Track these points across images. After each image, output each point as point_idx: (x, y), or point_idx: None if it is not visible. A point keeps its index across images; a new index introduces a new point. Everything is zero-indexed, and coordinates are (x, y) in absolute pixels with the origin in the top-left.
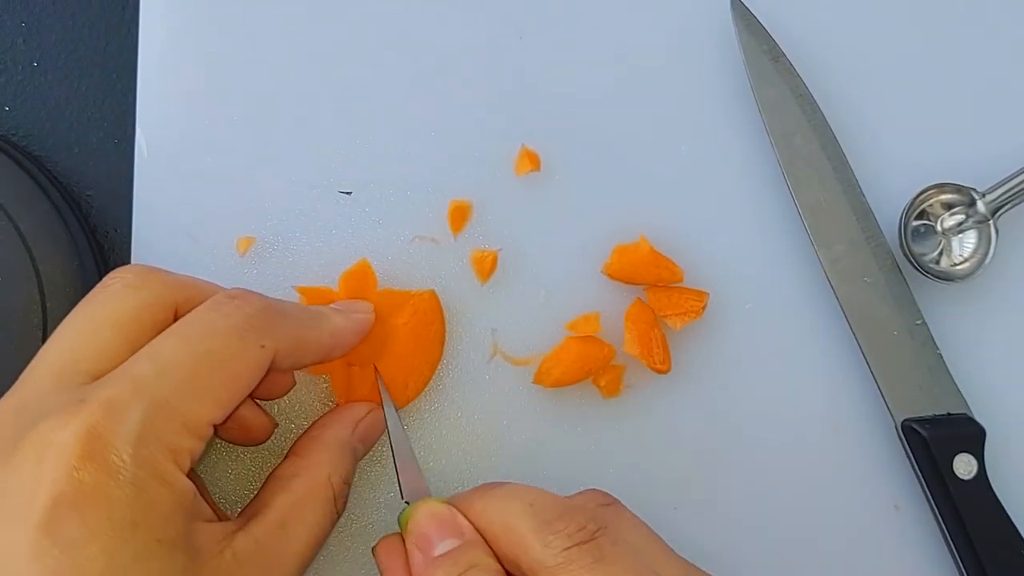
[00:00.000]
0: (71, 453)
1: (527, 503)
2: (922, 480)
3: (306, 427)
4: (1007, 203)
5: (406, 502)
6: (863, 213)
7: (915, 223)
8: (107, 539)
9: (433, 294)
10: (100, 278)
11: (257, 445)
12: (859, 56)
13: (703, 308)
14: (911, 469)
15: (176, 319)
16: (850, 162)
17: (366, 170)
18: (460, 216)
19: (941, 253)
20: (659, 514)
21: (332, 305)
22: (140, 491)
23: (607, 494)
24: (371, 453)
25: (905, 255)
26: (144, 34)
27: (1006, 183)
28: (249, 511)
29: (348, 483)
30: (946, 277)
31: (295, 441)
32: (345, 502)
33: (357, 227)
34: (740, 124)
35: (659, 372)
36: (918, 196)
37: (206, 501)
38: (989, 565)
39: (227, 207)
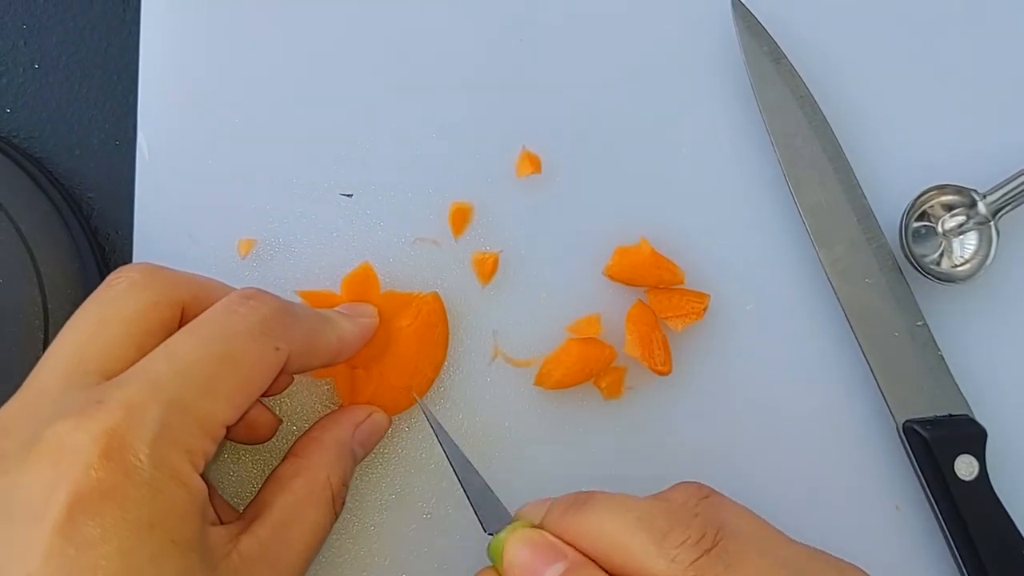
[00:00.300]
0: (89, 453)
1: (634, 517)
2: (923, 481)
3: (307, 428)
4: (1008, 204)
5: (490, 534)
6: (864, 214)
7: (916, 224)
8: (123, 539)
9: (436, 296)
10: (101, 279)
11: (261, 443)
12: (860, 57)
13: (704, 310)
14: (912, 470)
15: (183, 318)
16: (851, 163)
17: (367, 172)
18: (461, 218)
19: (942, 254)
20: None
21: (337, 308)
22: (157, 492)
23: (702, 485)
24: (372, 455)
25: (906, 256)
26: (145, 36)
27: (1007, 184)
28: (251, 512)
29: (346, 484)
30: (947, 278)
31: (295, 442)
32: (343, 503)
33: (358, 229)
34: (741, 125)
35: (660, 374)
36: (919, 197)
37: (217, 501)
38: (990, 566)
39: (228, 209)
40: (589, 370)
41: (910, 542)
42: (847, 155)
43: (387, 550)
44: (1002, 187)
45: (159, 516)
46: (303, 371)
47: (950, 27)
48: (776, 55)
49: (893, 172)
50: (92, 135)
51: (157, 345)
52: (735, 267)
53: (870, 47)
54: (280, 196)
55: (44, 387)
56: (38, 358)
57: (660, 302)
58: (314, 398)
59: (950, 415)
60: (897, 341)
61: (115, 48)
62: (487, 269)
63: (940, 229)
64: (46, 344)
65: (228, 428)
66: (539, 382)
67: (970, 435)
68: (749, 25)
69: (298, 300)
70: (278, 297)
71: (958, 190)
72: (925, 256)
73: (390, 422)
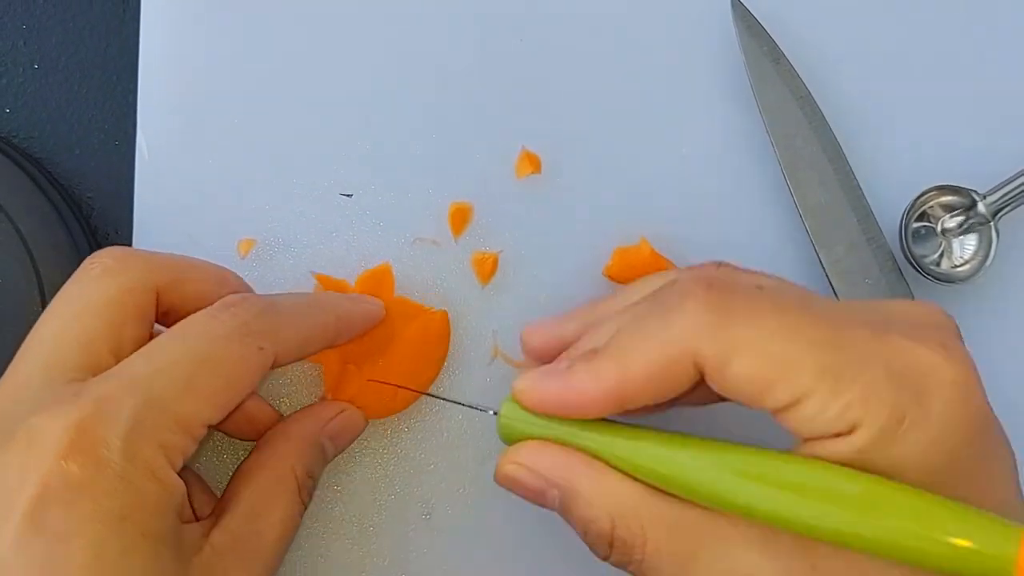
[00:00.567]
0: (60, 445)
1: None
2: None
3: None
4: (1008, 205)
5: (495, 413)
6: (864, 215)
7: (915, 225)
8: (94, 532)
9: (445, 316)
10: None
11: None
12: (860, 57)
13: None
14: None
15: (159, 302)
16: (851, 164)
17: (367, 172)
18: (461, 218)
19: (942, 255)
20: None
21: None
22: (129, 485)
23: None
24: (372, 455)
25: (906, 257)
26: (145, 36)
27: (1007, 185)
28: (220, 506)
29: (313, 477)
30: (947, 279)
31: (262, 436)
32: (311, 495)
33: (358, 229)
34: (741, 126)
35: None
36: (919, 198)
37: (205, 497)
38: None
39: (228, 209)
40: None
41: None
42: (847, 156)
43: (386, 551)
44: (1002, 188)
45: (130, 509)
46: (302, 358)
47: (950, 27)
48: (776, 55)
49: (893, 173)
50: (92, 135)
51: (134, 332)
52: None
53: (870, 47)
54: (280, 196)
55: (22, 380)
56: None
57: None
58: (314, 397)
59: None
60: None
61: (115, 48)
62: (487, 269)
63: (940, 230)
64: None
65: (218, 424)
66: None
67: None
68: (749, 25)
69: (312, 284)
70: (262, 297)
71: (958, 191)
72: (925, 257)
73: (366, 422)
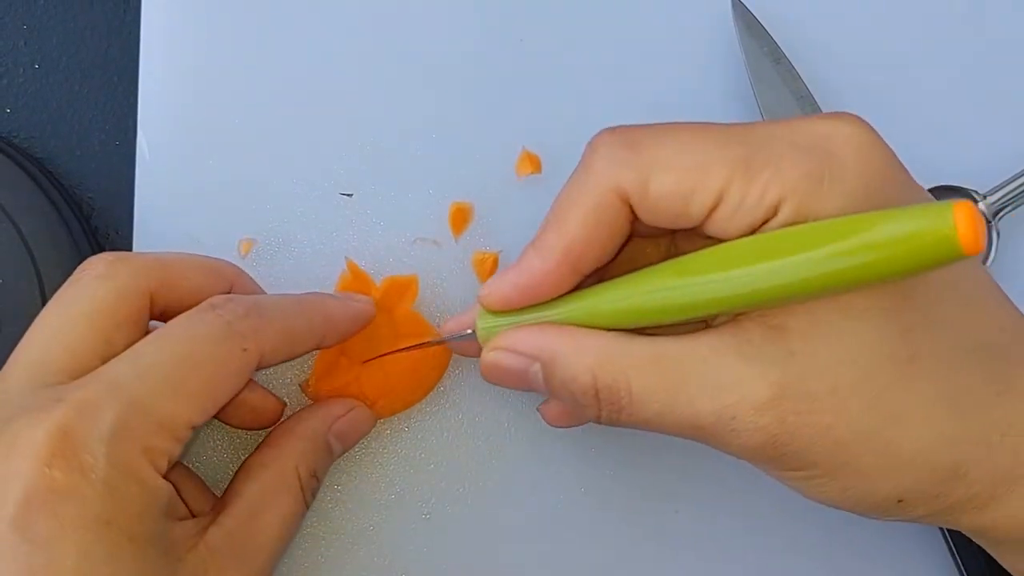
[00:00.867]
0: (43, 451)
1: None
2: None
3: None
4: (1008, 205)
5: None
6: None
7: None
8: (79, 536)
9: (446, 351)
10: None
11: (267, 428)
12: (860, 58)
13: None
14: None
15: (153, 304)
16: None
17: (367, 172)
18: (461, 218)
19: None
20: (660, 516)
21: (332, 293)
22: (112, 490)
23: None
24: (372, 455)
25: None
26: (145, 36)
27: (1007, 185)
28: (220, 503)
29: (317, 477)
30: None
31: (269, 432)
32: (314, 495)
33: (358, 229)
34: None
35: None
36: None
37: (200, 493)
38: (989, 566)
39: (228, 209)
40: None
41: (910, 543)
42: None
43: (387, 550)
44: (1002, 188)
45: (115, 513)
46: (289, 359)
47: (951, 28)
48: (776, 55)
49: None
50: (92, 136)
51: (126, 338)
52: None
53: (871, 47)
54: (280, 196)
55: (11, 386)
56: None
57: None
58: (307, 400)
59: None
60: None
61: (115, 49)
62: (487, 269)
63: None
64: None
65: (220, 416)
66: None
67: None
68: (749, 25)
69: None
70: (247, 298)
71: (958, 191)
72: None
73: (374, 420)
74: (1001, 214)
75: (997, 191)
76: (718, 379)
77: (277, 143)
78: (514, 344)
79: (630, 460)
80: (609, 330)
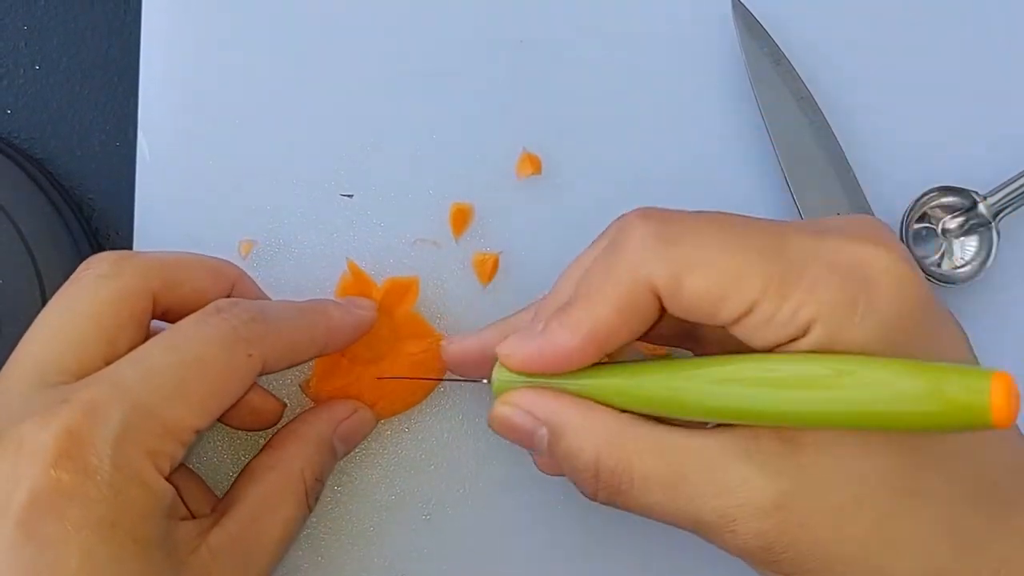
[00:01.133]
0: (49, 452)
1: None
2: None
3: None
4: (1009, 206)
5: (487, 381)
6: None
7: (916, 226)
8: (84, 538)
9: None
10: None
11: (267, 429)
12: (861, 58)
13: None
14: None
15: (156, 305)
16: (851, 165)
17: (367, 173)
18: (461, 219)
19: (942, 256)
20: None
21: (334, 300)
22: (118, 492)
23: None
24: (373, 456)
25: None
26: (146, 37)
27: (1008, 186)
28: (223, 504)
29: (321, 481)
30: (947, 280)
31: (274, 434)
32: (317, 499)
33: (358, 230)
34: (741, 127)
35: (661, 356)
36: (919, 199)
37: (201, 495)
38: None
39: (229, 210)
40: None
41: None
42: (847, 157)
43: (387, 551)
44: (1003, 189)
45: (120, 516)
46: (291, 366)
47: (952, 29)
48: (776, 56)
49: (894, 174)
50: (93, 136)
51: (129, 338)
52: None
53: (871, 48)
54: (280, 197)
55: (12, 386)
56: None
57: None
58: (308, 402)
59: None
60: None
61: (116, 49)
62: (487, 270)
63: (940, 231)
64: None
65: (222, 418)
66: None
67: None
68: (749, 26)
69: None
70: (252, 303)
71: (959, 191)
72: (926, 258)
73: (376, 421)
74: (1001, 215)
75: (998, 192)
76: (724, 480)
77: (277, 144)
78: (528, 405)
79: None
80: (623, 411)
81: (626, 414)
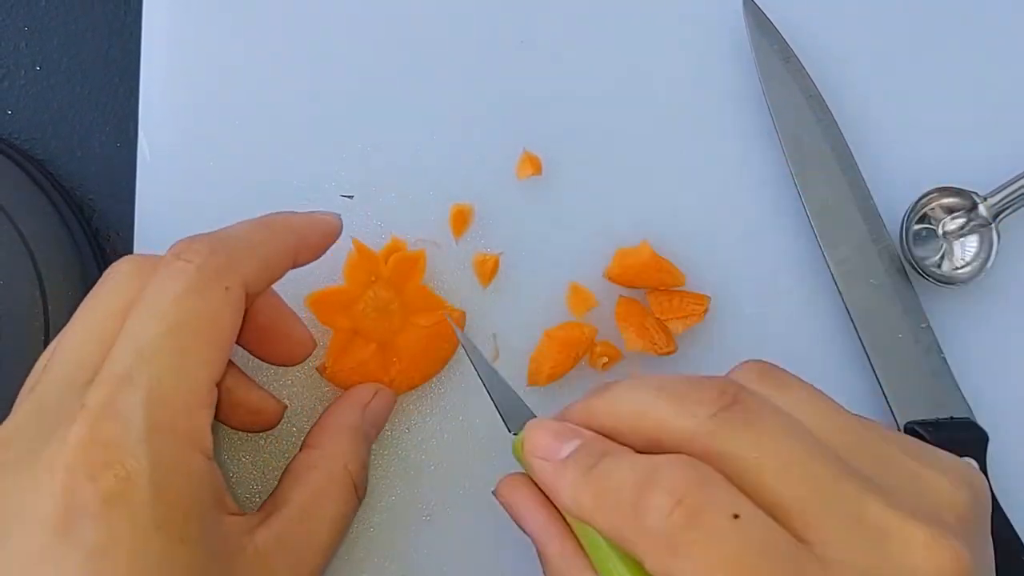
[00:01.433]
0: (84, 463)
1: (655, 388)
2: None
3: (309, 424)
4: (1009, 207)
5: (514, 434)
6: (870, 215)
7: (917, 227)
8: (130, 543)
9: (463, 316)
10: None
11: (268, 430)
12: (869, 57)
13: (704, 311)
14: None
15: None
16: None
17: (368, 173)
18: (461, 220)
19: (943, 257)
20: None
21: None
22: (160, 489)
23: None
24: (373, 457)
25: (906, 259)
26: (146, 37)
27: (1008, 187)
28: (269, 506)
29: (366, 467)
30: (947, 281)
31: (308, 432)
32: (365, 487)
33: (359, 231)
34: (748, 124)
35: (667, 354)
36: (920, 200)
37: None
38: None
39: (229, 210)
40: (575, 353)
41: None
42: (854, 156)
43: (387, 552)
44: (1003, 190)
45: (165, 516)
46: (273, 283)
47: (957, 29)
48: (786, 54)
49: (895, 174)
50: (93, 137)
51: None
52: (737, 268)
53: (879, 47)
54: (281, 198)
55: (50, 388)
56: (37, 359)
57: (660, 304)
58: (314, 398)
59: (952, 418)
60: (900, 343)
61: (116, 50)
62: (488, 271)
63: (941, 232)
64: (46, 345)
65: (216, 384)
66: (532, 382)
67: (972, 438)
68: (760, 23)
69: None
70: (209, 235)
71: (959, 192)
72: (926, 258)
73: (395, 398)
74: (1002, 216)
75: (998, 193)
76: None
77: (278, 145)
78: (522, 507)
79: None
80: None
81: None
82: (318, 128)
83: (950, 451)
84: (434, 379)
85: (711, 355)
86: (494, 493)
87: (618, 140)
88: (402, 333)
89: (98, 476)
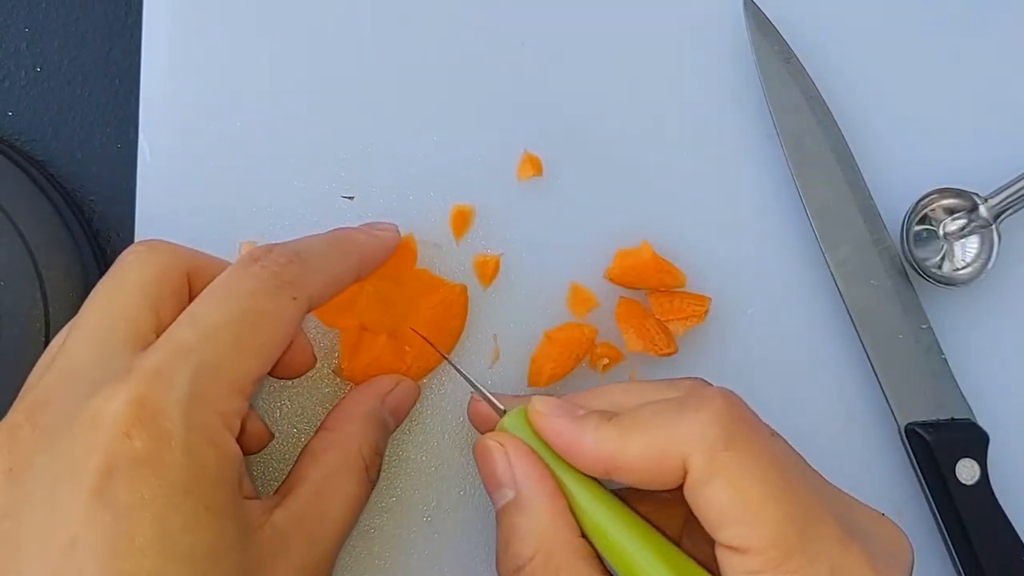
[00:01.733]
0: (124, 422)
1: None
2: (924, 485)
3: (310, 433)
4: (1009, 208)
5: (504, 411)
6: (871, 215)
7: (917, 228)
8: (159, 506)
9: (464, 289)
10: None
11: (252, 455)
12: (869, 58)
13: (705, 312)
14: (914, 474)
15: (190, 285)
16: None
17: (368, 174)
18: (462, 221)
19: (943, 258)
20: None
21: (358, 226)
22: (192, 457)
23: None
24: None
25: (907, 259)
26: (147, 39)
27: (1008, 188)
28: (285, 487)
29: (380, 454)
30: (948, 282)
31: (326, 416)
32: (378, 472)
33: None
34: (749, 125)
35: (668, 355)
36: (920, 201)
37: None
38: (990, 570)
39: (230, 212)
40: (576, 354)
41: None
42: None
43: (386, 553)
44: (1004, 191)
45: (193, 482)
46: (331, 298)
47: (957, 30)
48: (787, 55)
49: (897, 174)
50: (94, 138)
51: (172, 309)
52: (738, 269)
53: (879, 48)
54: (282, 199)
55: (77, 360)
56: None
57: (661, 305)
58: (315, 400)
59: (952, 419)
60: (901, 343)
61: (117, 51)
62: (488, 272)
63: (941, 232)
64: (46, 345)
65: (257, 382)
66: (533, 383)
67: (972, 439)
68: (760, 24)
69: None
70: (287, 245)
71: (959, 193)
72: (926, 259)
73: (419, 390)
74: (1002, 217)
75: (998, 194)
76: None
77: (278, 146)
78: (515, 458)
79: None
80: (588, 538)
81: (585, 545)
82: (318, 129)
83: (950, 451)
84: (434, 379)
85: (712, 356)
86: (475, 447)
87: (619, 141)
88: (409, 318)
89: (134, 435)
